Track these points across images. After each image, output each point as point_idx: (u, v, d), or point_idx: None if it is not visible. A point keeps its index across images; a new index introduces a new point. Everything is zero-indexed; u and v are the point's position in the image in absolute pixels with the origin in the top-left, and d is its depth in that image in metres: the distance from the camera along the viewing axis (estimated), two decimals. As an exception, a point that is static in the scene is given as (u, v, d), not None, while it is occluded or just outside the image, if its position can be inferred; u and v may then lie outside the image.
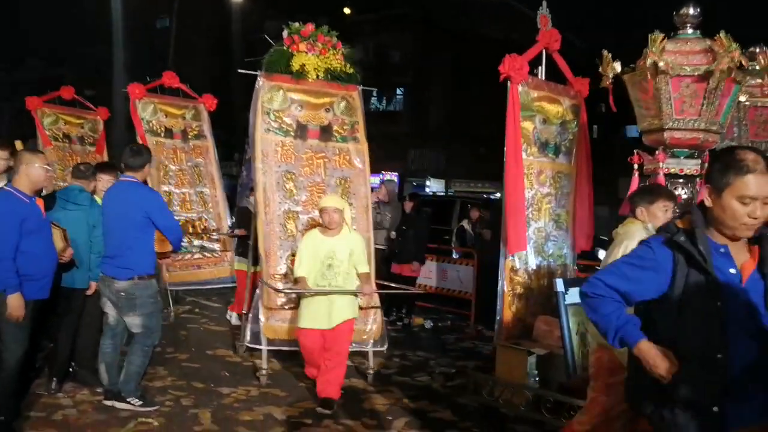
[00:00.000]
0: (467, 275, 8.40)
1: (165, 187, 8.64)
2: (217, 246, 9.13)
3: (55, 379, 4.79)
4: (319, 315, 4.82)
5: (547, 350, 4.79)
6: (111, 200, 4.62)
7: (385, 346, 5.84)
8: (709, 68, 4.33)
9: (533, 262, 5.31)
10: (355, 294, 5.00)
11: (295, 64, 5.66)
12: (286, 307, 5.51)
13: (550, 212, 5.49)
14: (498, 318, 5.06)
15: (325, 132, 5.94)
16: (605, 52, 4.80)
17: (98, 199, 4.93)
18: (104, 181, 5.00)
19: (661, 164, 4.63)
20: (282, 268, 5.63)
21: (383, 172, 24.77)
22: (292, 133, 5.83)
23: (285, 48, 5.70)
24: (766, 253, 2.12)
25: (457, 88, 30.48)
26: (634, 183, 4.71)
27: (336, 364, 4.87)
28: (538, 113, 5.35)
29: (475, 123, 29.50)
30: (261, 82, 5.70)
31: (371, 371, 5.64)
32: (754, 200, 2.05)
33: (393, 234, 8.36)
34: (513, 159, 4.97)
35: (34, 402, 4.59)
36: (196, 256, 8.89)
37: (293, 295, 5.34)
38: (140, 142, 7.83)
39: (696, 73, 4.42)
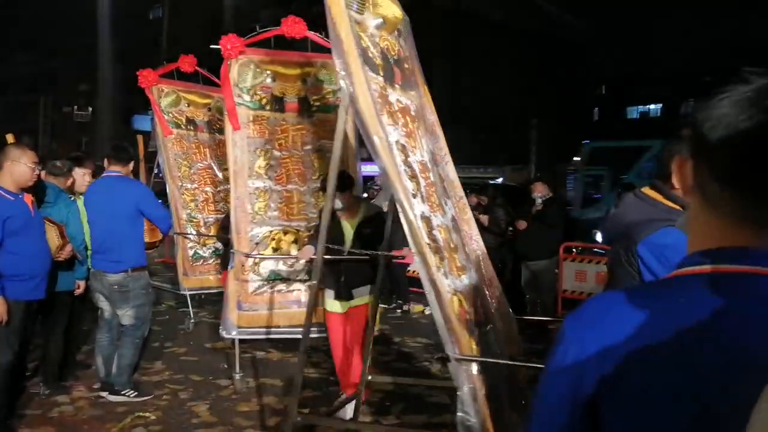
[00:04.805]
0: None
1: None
2: None
3: (42, 385, 4.74)
4: None
5: None
6: (97, 195, 4.60)
7: None
8: None
9: None
10: None
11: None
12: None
13: None
14: None
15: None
16: None
17: (73, 196, 4.86)
18: (80, 175, 4.95)
19: None
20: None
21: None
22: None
23: None
24: None
25: (457, 74, 30.36)
26: None
27: None
28: None
29: (477, 108, 29.41)
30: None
31: None
32: None
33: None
34: None
35: (30, 399, 4.58)
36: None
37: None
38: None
39: None
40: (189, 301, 7.09)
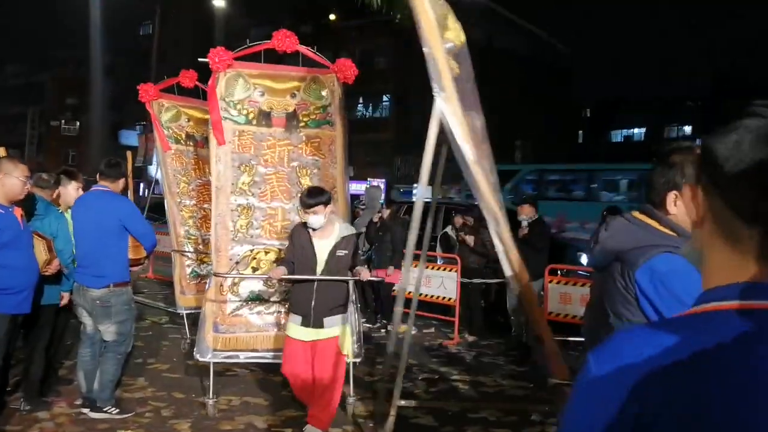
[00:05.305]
0: (451, 281, 8.40)
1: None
2: None
3: (23, 401, 4.65)
4: None
5: None
6: (83, 209, 4.59)
7: None
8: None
9: None
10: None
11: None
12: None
13: None
14: None
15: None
16: None
17: (62, 209, 4.85)
18: (73, 188, 4.95)
19: None
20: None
21: (369, 179, 24.82)
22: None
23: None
24: None
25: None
26: None
27: None
28: None
29: (461, 128, 29.62)
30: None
31: None
32: None
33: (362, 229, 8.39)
34: None
35: (10, 416, 4.53)
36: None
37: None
38: None
39: None
40: (185, 321, 6.92)
